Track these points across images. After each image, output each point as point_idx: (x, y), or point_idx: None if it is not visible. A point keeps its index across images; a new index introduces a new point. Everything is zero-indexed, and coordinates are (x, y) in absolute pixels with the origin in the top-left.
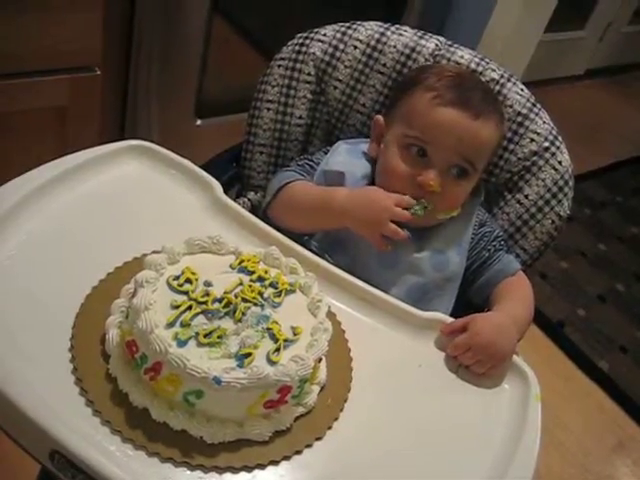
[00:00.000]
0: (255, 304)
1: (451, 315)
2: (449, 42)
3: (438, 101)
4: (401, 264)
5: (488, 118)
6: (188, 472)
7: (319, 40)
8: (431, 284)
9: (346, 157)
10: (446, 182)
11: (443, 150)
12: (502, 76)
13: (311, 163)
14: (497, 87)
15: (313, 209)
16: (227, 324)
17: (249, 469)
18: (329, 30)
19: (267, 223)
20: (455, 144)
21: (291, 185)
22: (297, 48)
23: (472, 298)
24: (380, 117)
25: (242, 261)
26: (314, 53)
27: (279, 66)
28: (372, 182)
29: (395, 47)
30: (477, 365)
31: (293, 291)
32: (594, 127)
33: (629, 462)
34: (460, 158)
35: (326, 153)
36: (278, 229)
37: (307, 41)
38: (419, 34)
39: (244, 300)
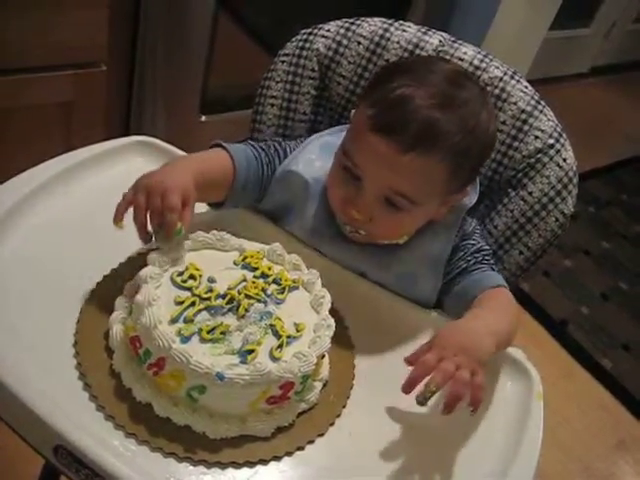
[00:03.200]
0: (258, 300)
1: None
2: (453, 38)
3: (372, 123)
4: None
5: (427, 151)
6: (191, 467)
7: (323, 36)
8: None
9: (318, 155)
10: (379, 212)
11: (372, 180)
12: (505, 73)
13: (277, 146)
14: (501, 84)
15: None
16: (230, 320)
17: (251, 464)
18: (333, 26)
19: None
20: (384, 176)
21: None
22: (301, 44)
23: (447, 312)
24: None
25: (246, 257)
26: (318, 49)
27: (283, 62)
28: None
29: (398, 43)
30: (456, 385)
31: (296, 287)
32: (598, 125)
33: (631, 460)
34: (391, 191)
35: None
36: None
37: (311, 37)
38: (423, 30)
39: (247, 296)
